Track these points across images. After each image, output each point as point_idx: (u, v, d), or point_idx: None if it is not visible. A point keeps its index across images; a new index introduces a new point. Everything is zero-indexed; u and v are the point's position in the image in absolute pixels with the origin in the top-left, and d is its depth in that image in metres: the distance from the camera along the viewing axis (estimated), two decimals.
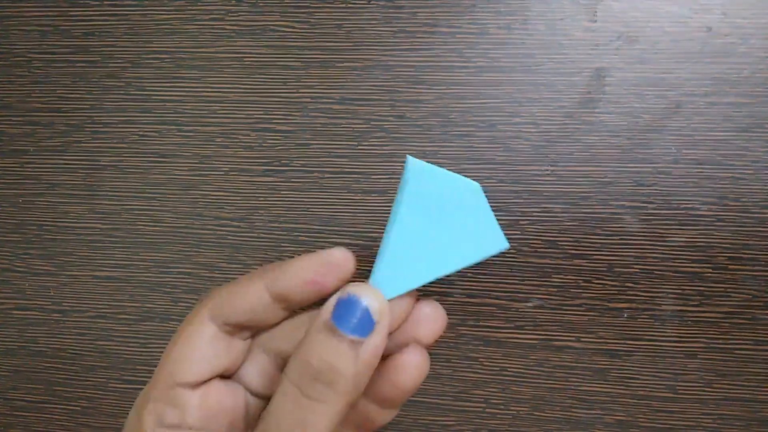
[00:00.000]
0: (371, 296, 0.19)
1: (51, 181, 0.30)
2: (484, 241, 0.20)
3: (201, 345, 0.22)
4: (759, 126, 0.26)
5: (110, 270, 0.30)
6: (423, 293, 0.28)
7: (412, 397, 0.29)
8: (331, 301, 0.19)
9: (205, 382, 0.22)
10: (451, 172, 0.20)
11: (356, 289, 0.19)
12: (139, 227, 0.29)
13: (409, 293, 0.20)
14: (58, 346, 0.31)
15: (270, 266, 0.22)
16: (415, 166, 0.20)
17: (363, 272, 0.28)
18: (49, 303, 0.30)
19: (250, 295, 0.21)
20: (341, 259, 0.20)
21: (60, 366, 0.31)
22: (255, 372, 0.23)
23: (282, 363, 0.23)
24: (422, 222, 0.20)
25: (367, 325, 0.19)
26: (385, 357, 0.21)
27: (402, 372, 0.20)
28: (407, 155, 0.21)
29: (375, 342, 0.19)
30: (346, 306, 0.19)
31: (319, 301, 0.20)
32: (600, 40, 0.26)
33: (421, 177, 0.20)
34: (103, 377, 0.30)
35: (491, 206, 0.25)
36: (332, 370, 0.18)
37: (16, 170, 0.30)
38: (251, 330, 0.22)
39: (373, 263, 0.28)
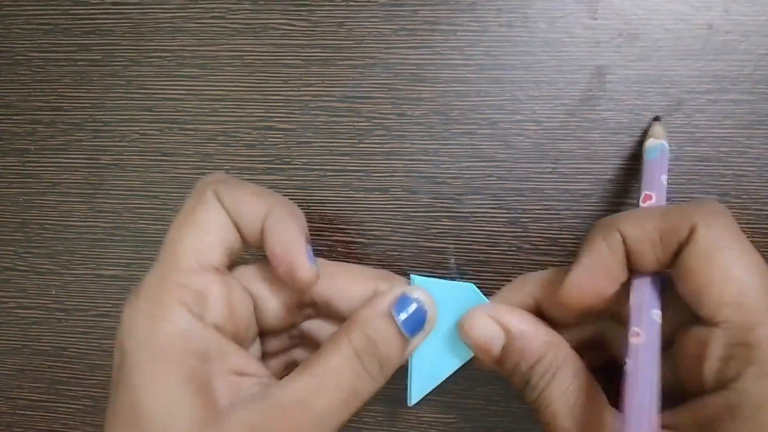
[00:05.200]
0: (430, 306, 0.22)
1: (52, 179, 0.30)
2: None
3: (218, 227, 0.21)
4: (761, 123, 0.26)
5: (113, 268, 0.30)
6: None
7: None
8: (393, 294, 0.22)
9: (223, 271, 0.21)
10: (447, 280, 0.23)
11: (421, 295, 0.22)
12: (141, 225, 0.29)
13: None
14: (61, 345, 0.31)
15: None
16: (417, 281, 0.23)
17: None
18: (52, 302, 0.31)
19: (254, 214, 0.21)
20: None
21: (63, 365, 0.31)
22: (253, 274, 0.23)
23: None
24: (436, 326, 0.23)
25: (418, 326, 0.22)
26: None
27: None
28: (411, 275, 0.23)
29: (417, 343, 0.22)
30: (411, 307, 0.22)
31: None
32: (601, 37, 0.26)
33: (424, 288, 0.23)
34: (107, 376, 0.30)
35: (495, 201, 0.25)
36: (388, 355, 0.21)
37: (17, 169, 0.30)
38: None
39: (373, 261, 0.28)
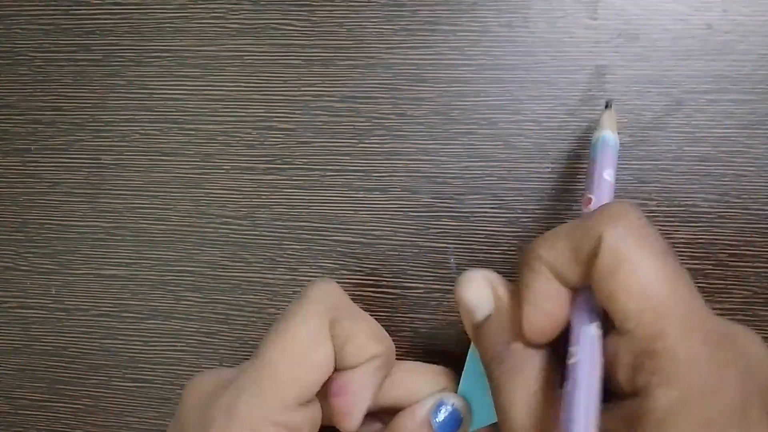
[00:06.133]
0: (464, 410, 0.23)
1: (53, 179, 0.30)
2: None
3: (326, 363, 0.20)
4: (761, 123, 0.26)
5: (113, 268, 0.30)
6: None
7: None
8: (433, 401, 0.23)
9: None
10: None
11: (457, 401, 0.23)
12: (141, 225, 0.29)
13: None
14: (62, 345, 0.31)
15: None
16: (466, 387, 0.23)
17: (364, 270, 0.28)
18: (52, 301, 0.31)
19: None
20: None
21: (63, 365, 0.31)
22: None
23: None
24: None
25: (453, 430, 0.23)
26: None
27: None
28: (470, 349, 0.23)
29: None
30: (447, 411, 0.23)
31: None
32: (601, 37, 0.26)
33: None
34: (107, 376, 0.30)
35: (495, 201, 0.25)
36: None
37: (18, 169, 0.30)
38: None
39: (374, 261, 0.28)
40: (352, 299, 0.26)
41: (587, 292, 0.20)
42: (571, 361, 0.19)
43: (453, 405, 0.22)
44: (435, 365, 0.25)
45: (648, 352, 0.17)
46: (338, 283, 0.28)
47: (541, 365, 0.20)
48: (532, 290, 0.20)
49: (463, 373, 0.24)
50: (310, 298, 0.21)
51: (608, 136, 0.23)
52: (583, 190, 0.24)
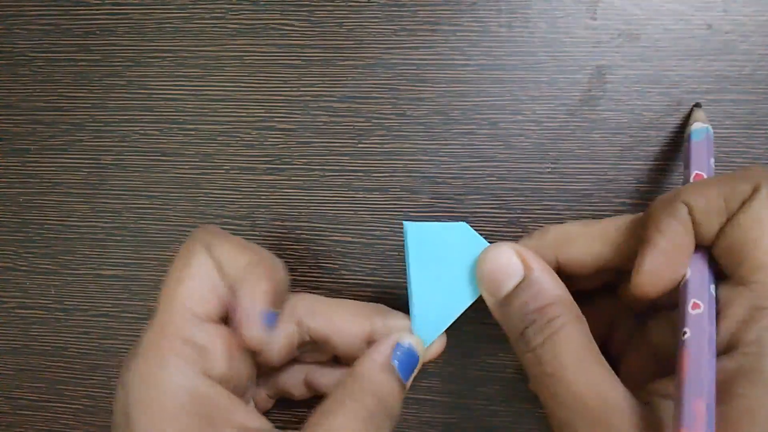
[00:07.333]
0: (419, 347, 0.23)
1: (53, 179, 0.30)
2: None
3: (211, 279, 0.21)
4: (761, 123, 0.26)
5: (113, 268, 0.30)
6: None
7: (415, 394, 0.29)
8: (389, 345, 0.22)
9: (220, 322, 0.21)
10: (440, 222, 0.23)
11: (412, 340, 0.23)
12: (141, 225, 0.29)
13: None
14: (61, 345, 0.31)
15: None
16: (411, 227, 0.23)
17: (364, 270, 0.28)
18: (52, 302, 0.31)
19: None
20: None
21: (63, 365, 0.31)
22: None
23: None
24: (433, 271, 0.23)
25: (412, 368, 0.23)
26: None
27: None
28: (403, 221, 0.24)
29: (410, 381, 0.23)
30: (404, 353, 0.22)
31: None
32: (601, 37, 0.26)
33: (419, 235, 0.23)
34: (106, 376, 0.30)
35: (495, 201, 0.25)
36: (393, 405, 0.21)
37: (18, 169, 0.30)
38: None
39: (373, 261, 0.28)
40: (352, 299, 0.26)
41: (705, 254, 0.19)
42: (694, 311, 0.18)
43: (409, 344, 0.23)
44: (373, 305, 0.25)
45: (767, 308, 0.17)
46: (338, 283, 0.28)
47: (581, 328, 0.20)
48: (667, 236, 0.19)
49: (411, 312, 0.24)
50: (190, 237, 0.22)
51: (711, 129, 0.24)
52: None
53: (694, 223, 0.19)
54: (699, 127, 0.24)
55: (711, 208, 0.18)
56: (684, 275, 0.19)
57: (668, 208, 0.19)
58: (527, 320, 0.20)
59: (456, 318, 0.23)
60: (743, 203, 0.18)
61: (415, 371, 0.23)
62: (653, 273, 0.19)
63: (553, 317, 0.20)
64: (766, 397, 0.16)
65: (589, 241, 0.21)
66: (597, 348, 0.19)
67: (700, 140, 0.23)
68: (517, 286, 0.21)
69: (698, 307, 0.18)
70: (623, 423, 0.17)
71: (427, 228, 0.23)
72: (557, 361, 0.19)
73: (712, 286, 0.19)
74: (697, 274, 0.19)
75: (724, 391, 0.17)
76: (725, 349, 0.17)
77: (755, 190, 0.18)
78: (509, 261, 0.21)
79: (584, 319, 0.20)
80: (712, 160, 0.23)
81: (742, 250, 0.17)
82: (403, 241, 0.24)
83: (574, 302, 0.21)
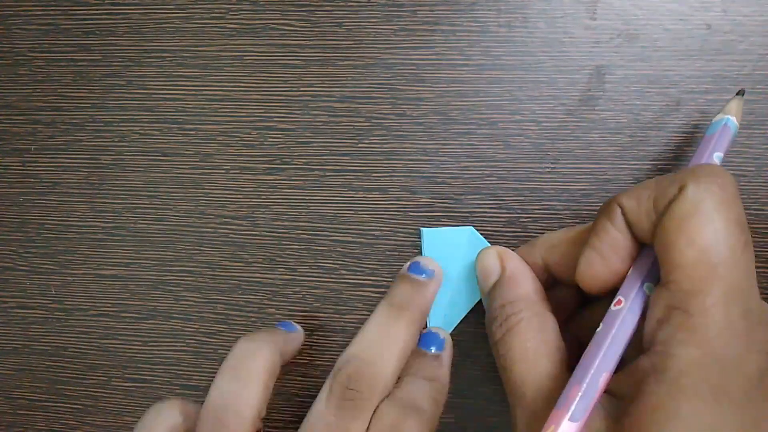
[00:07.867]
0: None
1: (52, 179, 0.30)
2: None
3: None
4: (760, 123, 0.26)
5: (112, 268, 0.30)
6: None
7: None
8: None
9: None
10: (451, 227, 0.27)
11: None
12: (140, 225, 0.29)
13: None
14: (61, 345, 0.31)
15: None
16: (426, 233, 0.27)
17: (364, 270, 0.28)
18: (52, 302, 0.31)
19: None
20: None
21: (63, 364, 0.31)
22: None
23: None
24: (445, 271, 0.26)
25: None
26: None
27: None
28: (420, 228, 0.27)
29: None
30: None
31: None
32: (600, 37, 0.26)
33: (432, 239, 0.27)
34: (106, 375, 0.30)
35: (495, 201, 0.25)
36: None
37: (17, 169, 0.30)
38: None
39: (373, 261, 0.28)
40: (352, 299, 0.26)
41: (650, 254, 0.20)
42: (614, 307, 0.19)
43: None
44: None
45: (682, 307, 0.17)
46: (338, 283, 0.28)
47: (539, 324, 0.21)
48: (601, 237, 0.20)
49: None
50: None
51: (732, 121, 0.23)
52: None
53: (629, 224, 0.20)
54: (718, 119, 0.24)
55: (642, 209, 0.19)
56: (627, 272, 0.20)
57: (606, 210, 0.20)
58: (492, 316, 0.22)
59: (466, 313, 0.26)
60: (669, 204, 0.18)
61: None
62: (588, 271, 0.20)
63: (511, 314, 0.21)
64: (669, 395, 0.16)
65: (569, 246, 0.22)
66: (555, 343, 0.21)
67: (710, 134, 0.23)
68: (494, 284, 0.23)
69: (620, 303, 0.19)
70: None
71: (439, 233, 0.27)
72: (509, 355, 0.21)
73: (646, 285, 0.19)
74: (635, 273, 0.20)
75: (637, 388, 0.17)
76: (644, 348, 0.18)
77: (680, 191, 0.18)
78: (491, 262, 0.24)
79: (549, 315, 0.22)
80: (720, 154, 0.22)
81: (663, 250, 0.18)
82: (402, 241, 0.25)
83: (540, 301, 0.22)
